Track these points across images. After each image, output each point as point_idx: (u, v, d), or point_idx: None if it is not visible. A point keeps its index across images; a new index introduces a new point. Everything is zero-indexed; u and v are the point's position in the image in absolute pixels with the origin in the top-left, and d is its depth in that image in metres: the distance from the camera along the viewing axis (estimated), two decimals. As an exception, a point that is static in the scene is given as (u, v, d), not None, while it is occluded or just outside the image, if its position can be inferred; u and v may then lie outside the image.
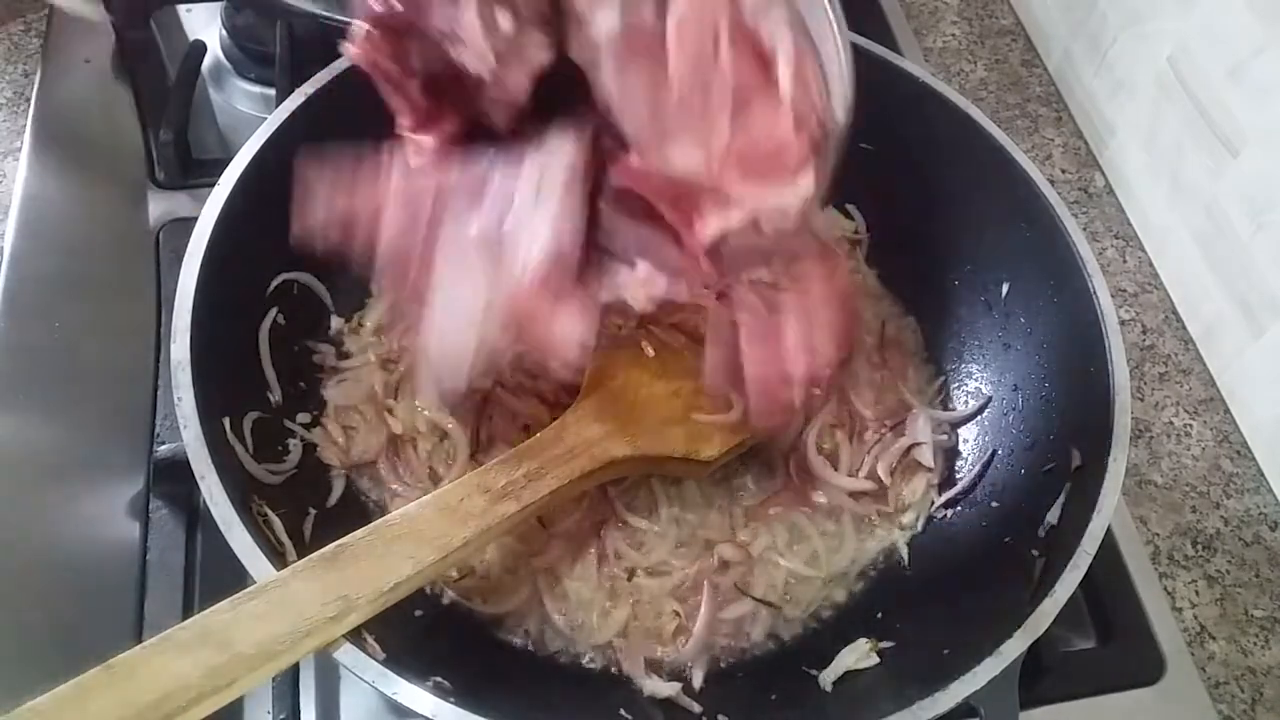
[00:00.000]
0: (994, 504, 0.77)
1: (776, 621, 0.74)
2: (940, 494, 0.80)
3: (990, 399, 0.82)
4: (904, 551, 0.78)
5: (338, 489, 0.76)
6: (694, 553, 0.75)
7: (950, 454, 0.83)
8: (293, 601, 0.55)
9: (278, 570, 0.57)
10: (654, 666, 0.71)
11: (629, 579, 0.74)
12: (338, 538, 0.71)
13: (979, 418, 0.83)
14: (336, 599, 0.56)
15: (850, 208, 0.94)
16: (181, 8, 1.11)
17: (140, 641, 0.71)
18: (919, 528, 0.79)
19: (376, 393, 0.80)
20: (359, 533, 0.59)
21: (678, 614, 0.73)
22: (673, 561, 0.75)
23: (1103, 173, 1.10)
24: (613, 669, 0.71)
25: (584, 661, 0.71)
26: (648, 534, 0.75)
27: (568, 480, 0.67)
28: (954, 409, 0.85)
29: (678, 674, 0.71)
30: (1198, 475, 0.90)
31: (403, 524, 0.61)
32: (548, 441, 0.68)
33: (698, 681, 0.70)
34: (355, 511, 0.76)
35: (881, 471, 0.80)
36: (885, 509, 0.79)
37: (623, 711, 0.67)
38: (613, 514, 0.76)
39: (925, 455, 0.81)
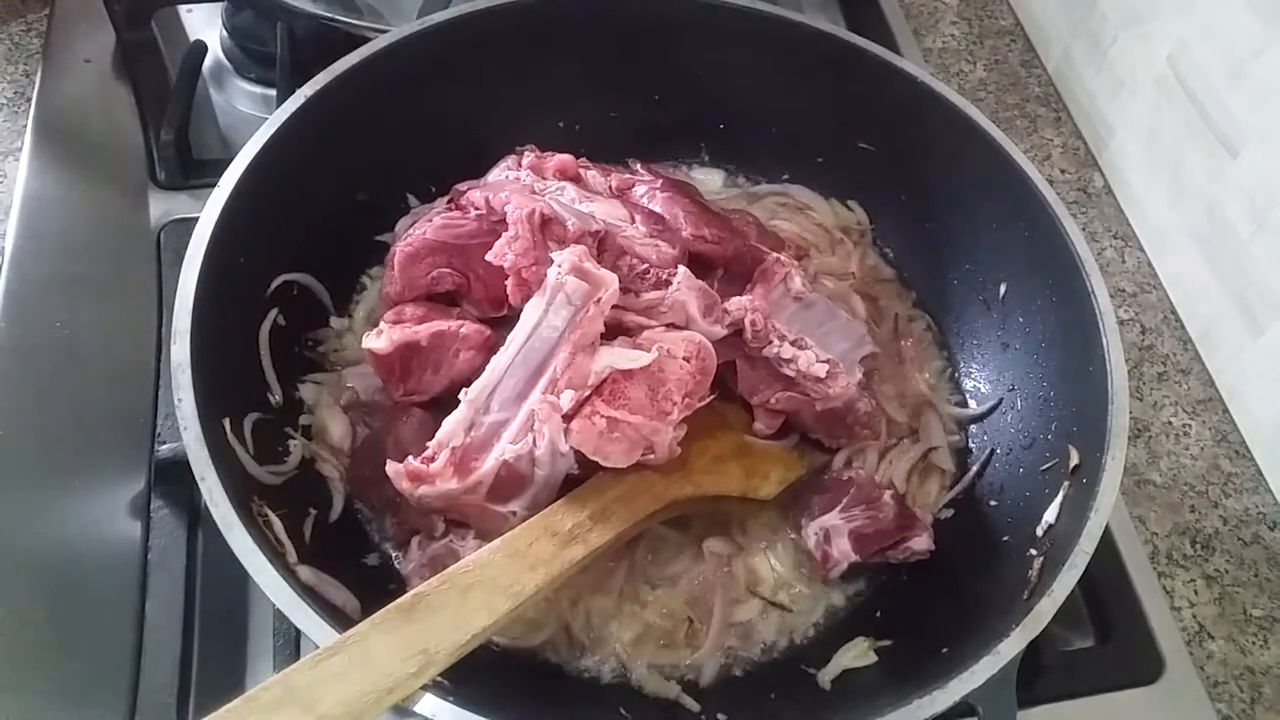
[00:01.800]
0: (992, 503, 0.77)
1: (784, 624, 0.74)
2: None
3: (1001, 400, 0.82)
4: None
5: (338, 502, 0.75)
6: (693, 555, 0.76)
7: (962, 453, 0.83)
8: (373, 657, 0.54)
9: (277, 571, 0.58)
10: (659, 668, 0.71)
11: (652, 589, 0.74)
12: (339, 542, 0.71)
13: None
14: (417, 653, 0.55)
15: (852, 203, 0.95)
16: (182, 8, 1.11)
17: (141, 642, 0.72)
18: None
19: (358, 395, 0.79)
20: (433, 581, 0.59)
21: (690, 619, 0.73)
22: (680, 568, 0.75)
23: (1102, 173, 1.10)
24: (614, 669, 0.71)
25: (585, 662, 0.72)
26: (668, 543, 0.75)
27: (631, 522, 0.66)
28: (965, 405, 0.85)
29: (679, 675, 0.71)
30: (1196, 475, 0.90)
31: (476, 572, 0.60)
32: (607, 483, 0.67)
33: (706, 680, 0.71)
34: (356, 523, 0.76)
35: (898, 479, 0.80)
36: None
37: (622, 710, 0.67)
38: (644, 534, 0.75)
39: (944, 459, 0.81)
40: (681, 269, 0.73)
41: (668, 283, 0.73)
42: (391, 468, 0.68)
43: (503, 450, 0.67)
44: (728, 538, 0.76)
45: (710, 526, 0.76)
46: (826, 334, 0.78)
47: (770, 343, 0.74)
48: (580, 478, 0.68)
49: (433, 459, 0.67)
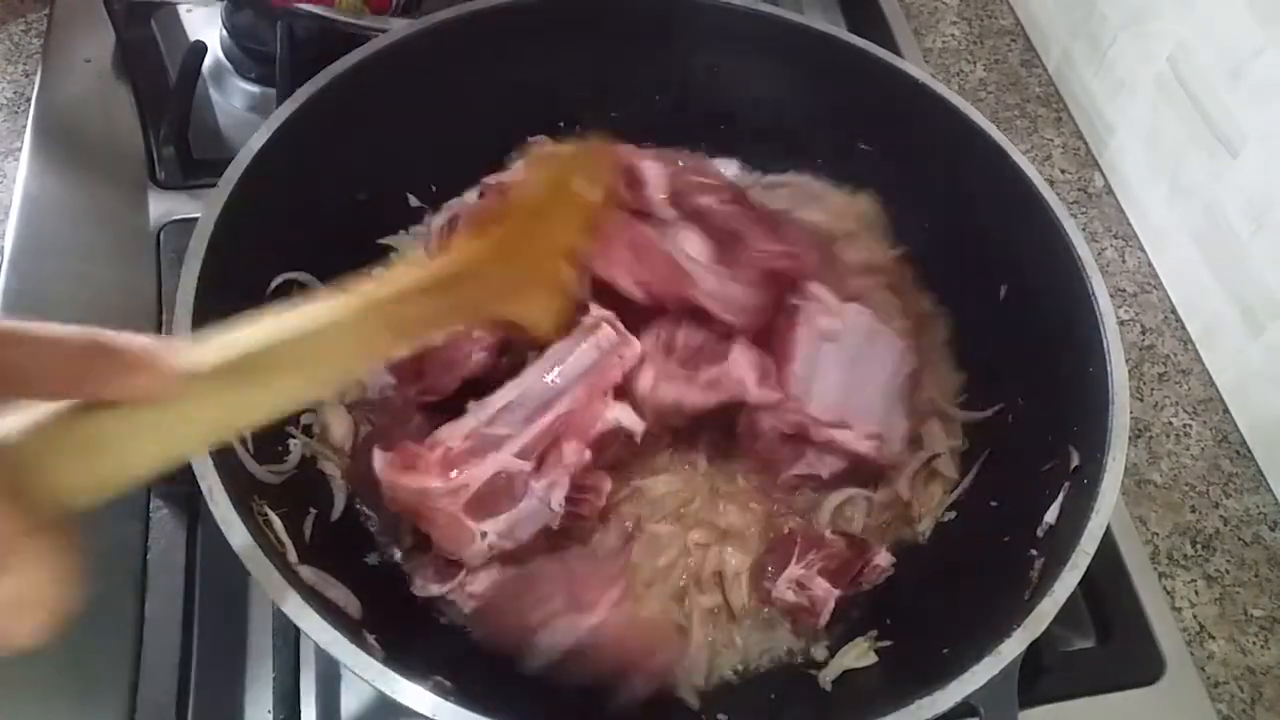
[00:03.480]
0: (992, 503, 0.77)
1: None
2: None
3: (1003, 405, 0.80)
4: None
5: (339, 501, 0.75)
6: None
7: (963, 456, 0.82)
8: None
9: (277, 570, 0.57)
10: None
11: (647, 586, 0.74)
12: (340, 541, 0.71)
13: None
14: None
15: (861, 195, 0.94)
16: (182, 8, 1.10)
17: (141, 642, 0.72)
18: (928, 534, 0.79)
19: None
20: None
21: (685, 618, 0.73)
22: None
23: (1102, 173, 1.10)
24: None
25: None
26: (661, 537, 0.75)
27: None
28: (966, 406, 0.84)
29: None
30: (1197, 475, 0.90)
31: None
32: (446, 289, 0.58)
33: (699, 677, 0.71)
34: (357, 522, 0.76)
35: (902, 489, 0.79)
36: (899, 519, 0.79)
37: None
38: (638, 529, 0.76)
39: (947, 465, 0.80)
40: (737, 345, 0.72)
41: (723, 355, 0.72)
42: (378, 454, 0.66)
43: (504, 461, 0.66)
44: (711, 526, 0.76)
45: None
46: (864, 368, 0.75)
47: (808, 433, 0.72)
48: (562, 529, 0.69)
49: (427, 451, 0.66)
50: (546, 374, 0.68)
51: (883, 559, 0.73)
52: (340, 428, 0.77)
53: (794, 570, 0.72)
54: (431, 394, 0.74)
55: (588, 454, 0.68)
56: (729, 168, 0.96)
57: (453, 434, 0.67)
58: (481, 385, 0.71)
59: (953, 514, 0.79)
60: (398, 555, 0.73)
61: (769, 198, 0.92)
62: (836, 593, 0.71)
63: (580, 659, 0.66)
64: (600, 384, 0.68)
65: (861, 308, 0.78)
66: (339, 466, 0.76)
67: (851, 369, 0.75)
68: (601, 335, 0.69)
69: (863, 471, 0.77)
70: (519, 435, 0.67)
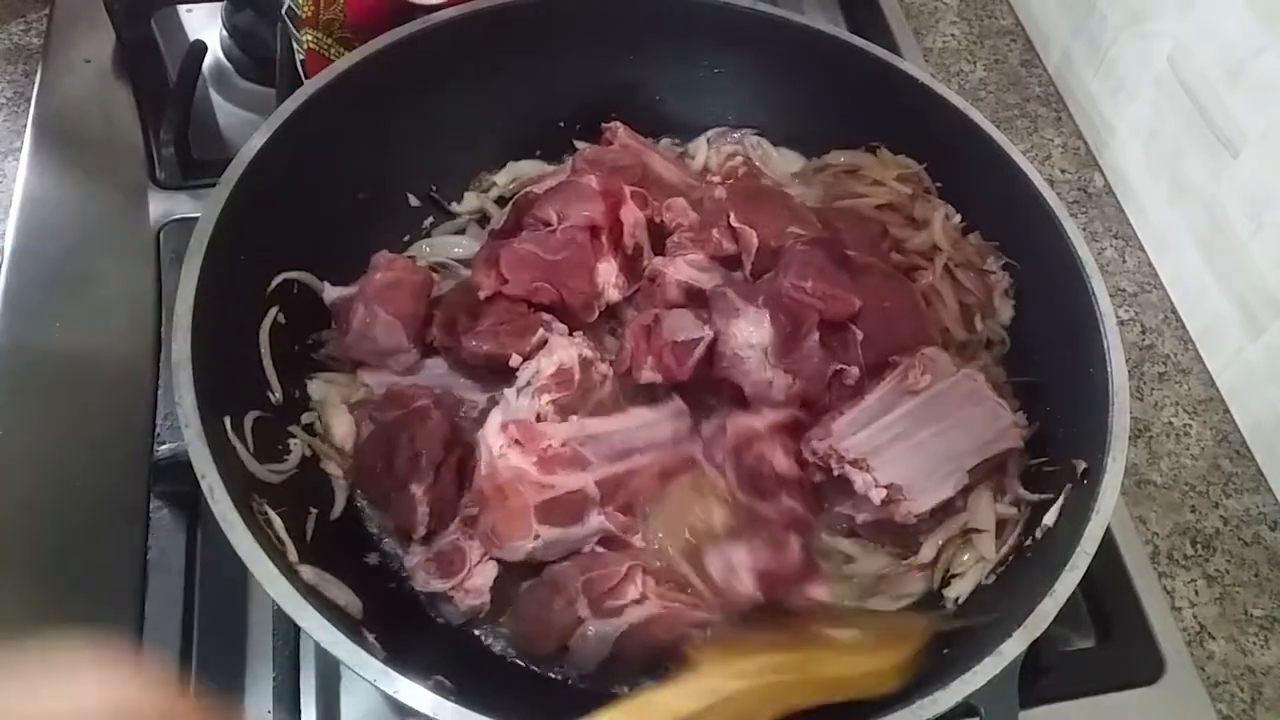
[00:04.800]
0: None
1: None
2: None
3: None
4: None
5: (340, 500, 0.75)
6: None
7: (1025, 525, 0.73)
8: None
9: (278, 570, 0.57)
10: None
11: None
12: (340, 541, 0.71)
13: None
14: None
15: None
16: (182, 8, 1.11)
17: (141, 642, 0.72)
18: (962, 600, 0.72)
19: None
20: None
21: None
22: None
23: (1102, 173, 1.10)
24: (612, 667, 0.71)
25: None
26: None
27: None
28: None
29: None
30: (1197, 475, 0.90)
31: None
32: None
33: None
34: (358, 522, 0.76)
35: (926, 553, 0.73)
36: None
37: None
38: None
39: (986, 545, 0.72)
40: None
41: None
42: (495, 418, 0.69)
43: (586, 483, 0.69)
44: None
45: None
46: (950, 428, 0.72)
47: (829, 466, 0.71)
48: None
49: (542, 437, 0.69)
50: (634, 428, 0.72)
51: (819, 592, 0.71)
52: (341, 427, 0.77)
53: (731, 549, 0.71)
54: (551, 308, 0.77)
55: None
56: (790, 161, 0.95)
57: (555, 433, 0.69)
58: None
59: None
60: (399, 552, 0.73)
61: (816, 187, 0.92)
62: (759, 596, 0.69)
63: (616, 662, 0.67)
64: (662, 460, 0.73)
65: (974, 372, 0.75)
66: (340, 466, 0.76)
67: (933, 424, 0.72)
68: (680, 423, 0.75)
69: (891, 529, 0.72)
70: (600, 467, 0.70)
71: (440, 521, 0.70)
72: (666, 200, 0.84)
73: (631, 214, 0.82)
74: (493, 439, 0.69)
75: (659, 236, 0.84)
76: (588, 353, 0.74)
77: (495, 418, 0.70)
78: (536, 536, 0.67)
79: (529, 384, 0.72)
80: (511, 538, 0.67)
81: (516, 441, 0.68)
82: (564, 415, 0.71)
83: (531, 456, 0.68)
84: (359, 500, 0.76)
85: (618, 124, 0.89)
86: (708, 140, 0.94)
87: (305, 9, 0.87)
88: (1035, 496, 0.72)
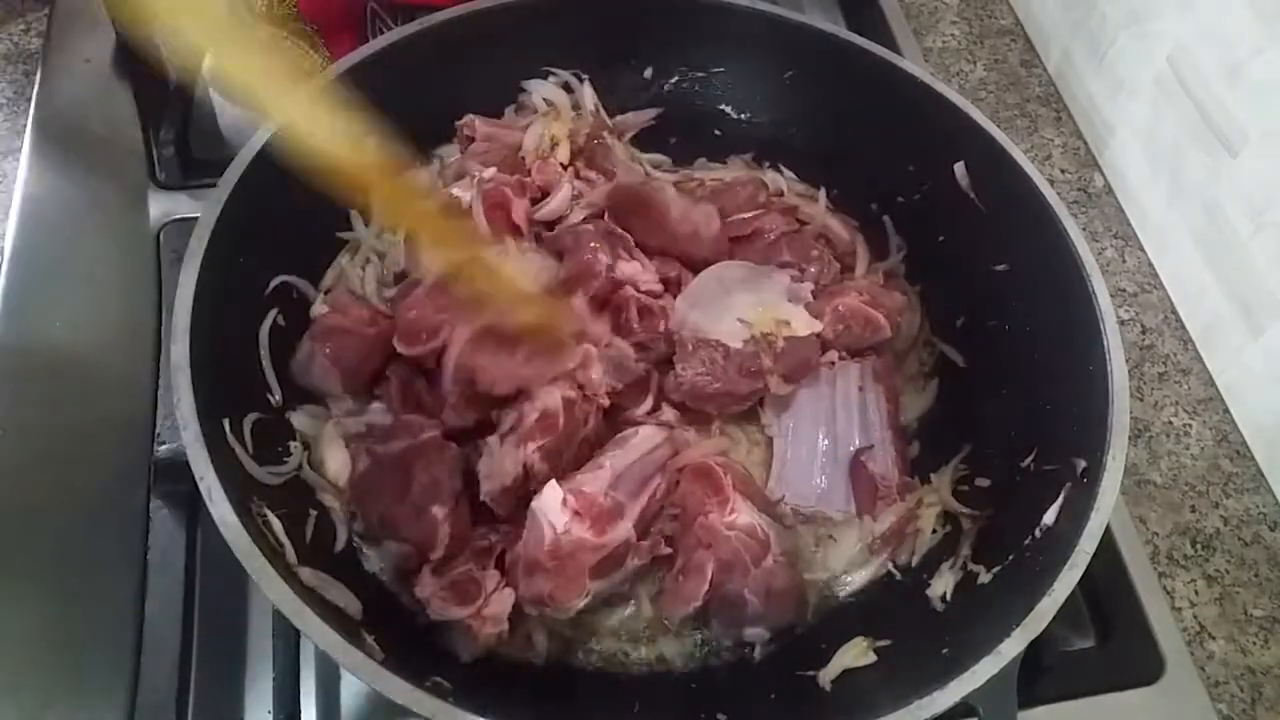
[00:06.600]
0: (993, 504, 0.77)
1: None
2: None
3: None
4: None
5: (342, 534, 0.72)
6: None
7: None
8: None
9: (277, 571, 0.57)
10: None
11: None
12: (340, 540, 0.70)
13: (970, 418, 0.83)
14: None
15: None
16: (181, 8, 1.10)
17: (141, 642, 0.72)
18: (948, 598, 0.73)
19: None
20: None
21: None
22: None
23: (1102, 173, 1.10)
24: (610, 666, 0.71)
25: (580, 658, 0.72)
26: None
27: None
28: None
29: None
30: (1197, 475, 0.90)
31: None
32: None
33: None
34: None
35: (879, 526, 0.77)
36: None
37: (623, 703, 0.67)
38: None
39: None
40: None
41: None
42: (551, 491, 0.68)
43: (628, 532, 0.69)
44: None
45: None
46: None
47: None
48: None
49: (599, 499, 0.69)
50: (639, 451, 0.73)
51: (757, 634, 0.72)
52: (335, 461, 0.75)
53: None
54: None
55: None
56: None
57: (596, 485, 0.69)
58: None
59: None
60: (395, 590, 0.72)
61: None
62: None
63: None
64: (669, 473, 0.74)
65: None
66: (336, 499, 0.73)
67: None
68: (677, 435, 0.77)
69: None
70: (631, 507, 0.70)
71: (455, 547, 0.69)
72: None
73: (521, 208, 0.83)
74: (555, 516, 0.67)
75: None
76: (570, 394, 0.73)
77: (554, 492, 0.68)
78: (587, 594, 0.67)
79: (513, 430, 0.71)
80: (568, 600, 0.67)
81: (577, 513, 0.67)
82: (551, 461, 0.70)
83: (586, 521, 0.67)
84: (355, 540, 0.73)
85: (473, 117, 0.87)
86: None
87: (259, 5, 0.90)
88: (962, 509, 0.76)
